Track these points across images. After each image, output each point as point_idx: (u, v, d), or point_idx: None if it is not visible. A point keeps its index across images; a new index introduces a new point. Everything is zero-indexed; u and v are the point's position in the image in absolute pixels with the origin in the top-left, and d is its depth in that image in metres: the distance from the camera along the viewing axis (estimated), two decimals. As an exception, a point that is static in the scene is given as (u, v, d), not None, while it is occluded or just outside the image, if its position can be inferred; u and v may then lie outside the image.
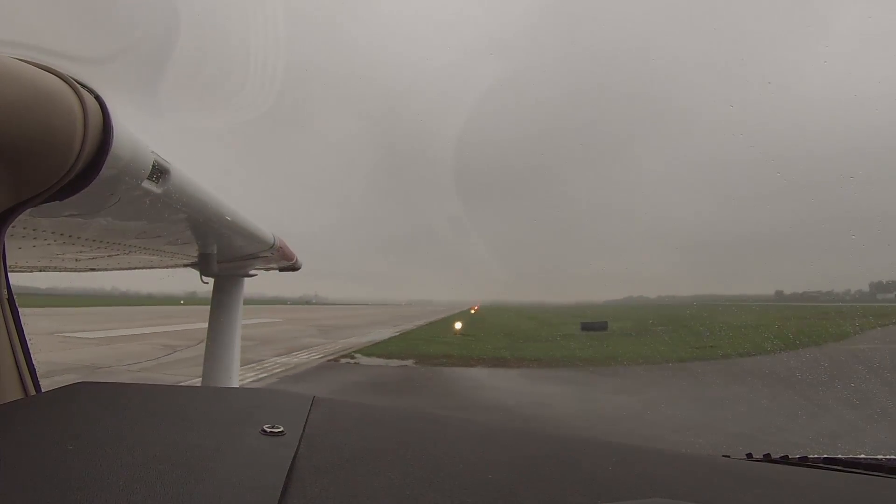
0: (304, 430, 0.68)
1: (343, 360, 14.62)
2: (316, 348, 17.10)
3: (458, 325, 25.03)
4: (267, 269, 2.72)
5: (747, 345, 13.71)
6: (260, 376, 11.28)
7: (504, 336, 21.87)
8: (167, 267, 2.20)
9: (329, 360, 14.50)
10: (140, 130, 0.89)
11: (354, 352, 16.35)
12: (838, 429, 6.79)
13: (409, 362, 14.70)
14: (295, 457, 0.58)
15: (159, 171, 0.97)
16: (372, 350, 16.93)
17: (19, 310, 0.90)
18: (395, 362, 14.65)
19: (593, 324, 20.89)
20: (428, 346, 18.26)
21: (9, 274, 0.90)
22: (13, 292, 0.90)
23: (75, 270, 1.95)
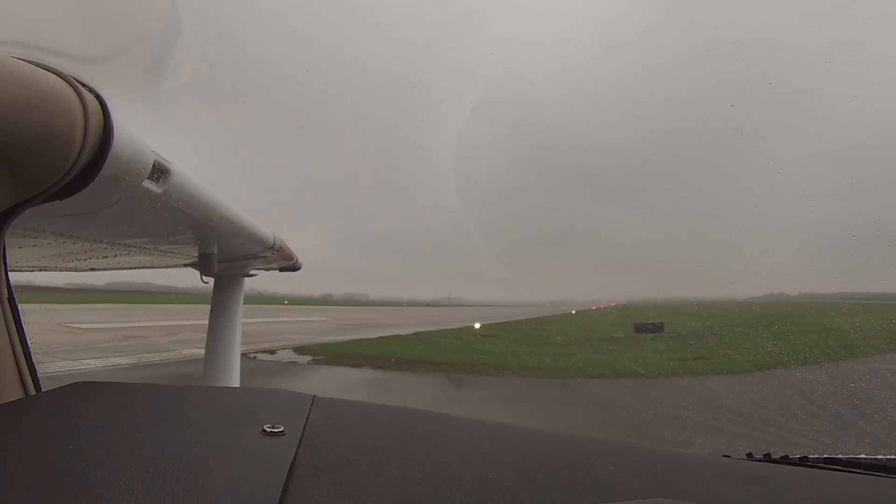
0: (304, 430, 0.68)
1: (252, 355, 14.40)
2: (272, 343, 16.67)
3: (476, 326, 23.80)
4: (267, 269, 2.73)
5: (756, 353, 11.12)
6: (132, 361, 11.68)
7: (521, 339, 19.88)
8: (167, 267, 2.20)
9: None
10: (142, 130, 0.89)
11: (295, 347, 16.09)
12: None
13: (313, 358, 14.46)
14: (295, 457, 0.58)
15: (160, 171, 0.96)
16: (317, 348, 16.28)
17: (19, 308, 0.90)
18: (298, 358, 14.47)
19: (647, 325, 19.72)
20: (397, 346, 17.01)
21: (9, 274, 0.90)
22: (13, 292, 0.90)
23: (75, 270, 1.95)
